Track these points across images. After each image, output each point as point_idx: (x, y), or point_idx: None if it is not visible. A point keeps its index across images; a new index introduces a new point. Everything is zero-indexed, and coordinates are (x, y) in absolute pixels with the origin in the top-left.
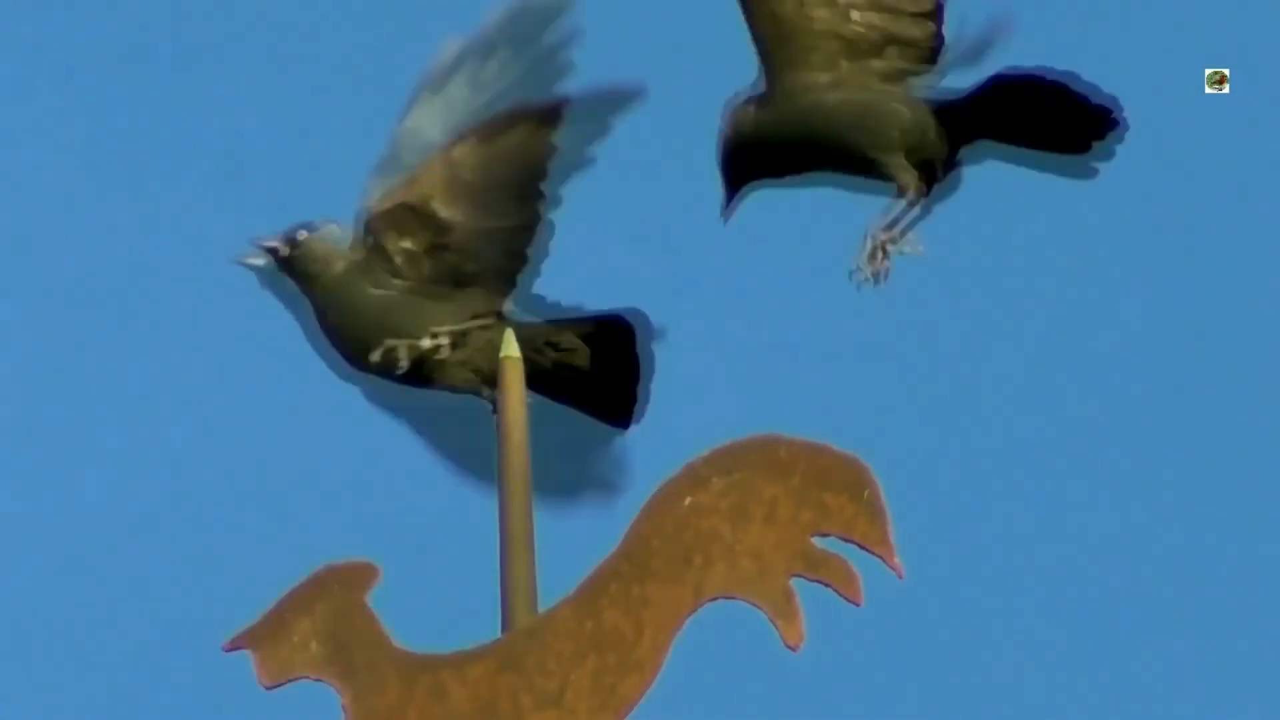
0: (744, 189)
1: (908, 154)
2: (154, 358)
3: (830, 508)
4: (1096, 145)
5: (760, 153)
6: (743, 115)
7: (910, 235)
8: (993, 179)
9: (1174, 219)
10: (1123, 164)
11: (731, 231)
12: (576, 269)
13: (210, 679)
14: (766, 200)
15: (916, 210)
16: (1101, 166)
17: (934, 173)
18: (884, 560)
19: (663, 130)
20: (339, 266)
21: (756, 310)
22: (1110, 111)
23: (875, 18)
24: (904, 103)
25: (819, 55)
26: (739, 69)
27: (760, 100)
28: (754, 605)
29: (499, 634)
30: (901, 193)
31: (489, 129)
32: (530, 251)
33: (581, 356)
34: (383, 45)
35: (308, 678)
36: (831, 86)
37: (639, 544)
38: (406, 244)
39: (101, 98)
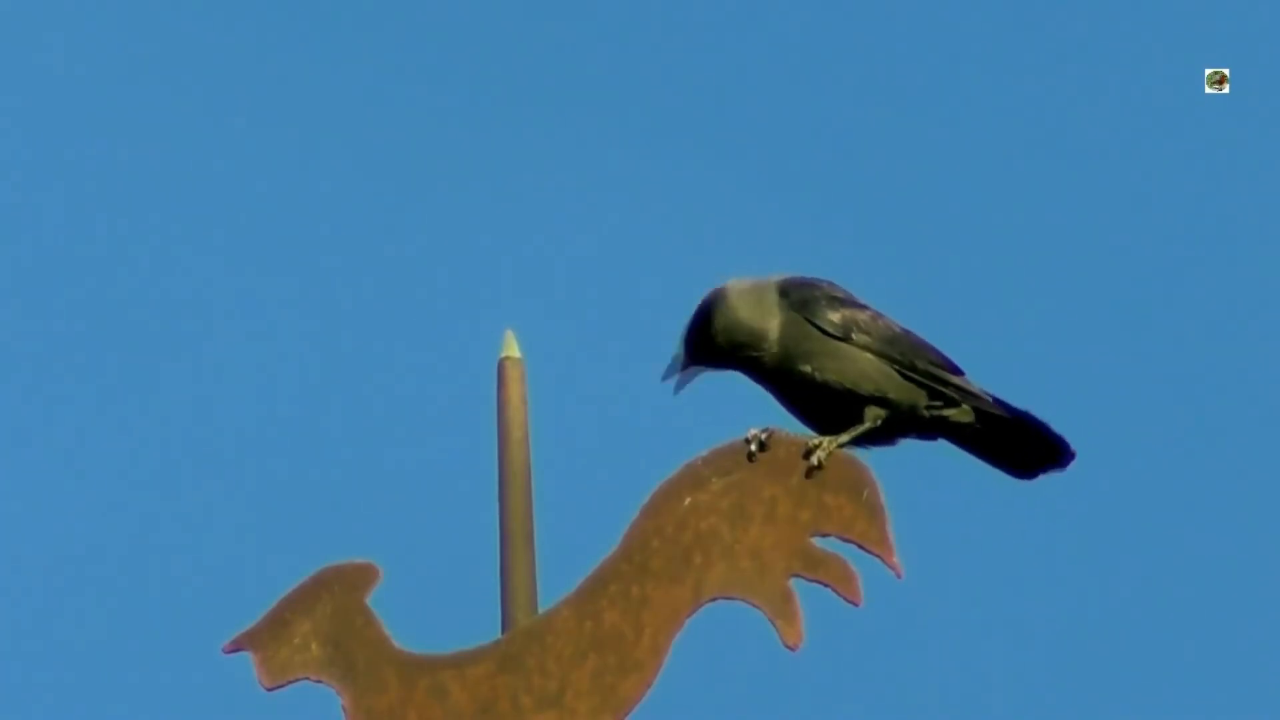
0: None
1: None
2: (155, 360)
3: (829, 507)
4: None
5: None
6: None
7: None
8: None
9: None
10: None
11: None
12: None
13: (210, 680)
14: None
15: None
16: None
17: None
18: (883, 560)
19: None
20: None
21: None
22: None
23: None
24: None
25: None
26: None
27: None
28: (753, 606)
29: (499, 634)
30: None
31: None
32: None
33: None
34: None
35: (308, 679)
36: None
37: (639, 544)
38: None
39: None
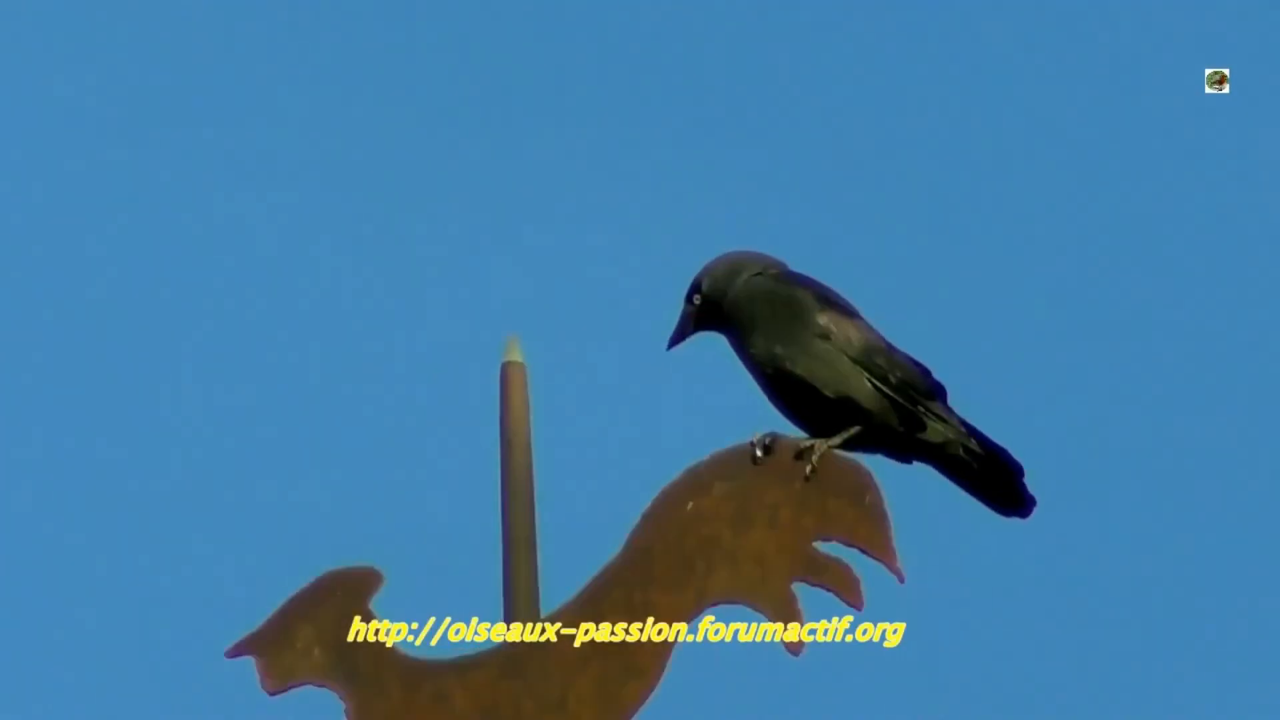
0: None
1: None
2: (158, 362)
3: (832, 512)
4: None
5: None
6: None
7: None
8: None
9: None
10: None
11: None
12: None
13: (213, 685)
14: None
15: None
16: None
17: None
18: (886, 565)
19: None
20: None
21: None
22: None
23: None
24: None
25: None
26: None
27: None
28: (756, 611)
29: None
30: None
31: None
32: None
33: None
34: None
35: (311, 684)
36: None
37: (641, 549)
38: None
39: None
